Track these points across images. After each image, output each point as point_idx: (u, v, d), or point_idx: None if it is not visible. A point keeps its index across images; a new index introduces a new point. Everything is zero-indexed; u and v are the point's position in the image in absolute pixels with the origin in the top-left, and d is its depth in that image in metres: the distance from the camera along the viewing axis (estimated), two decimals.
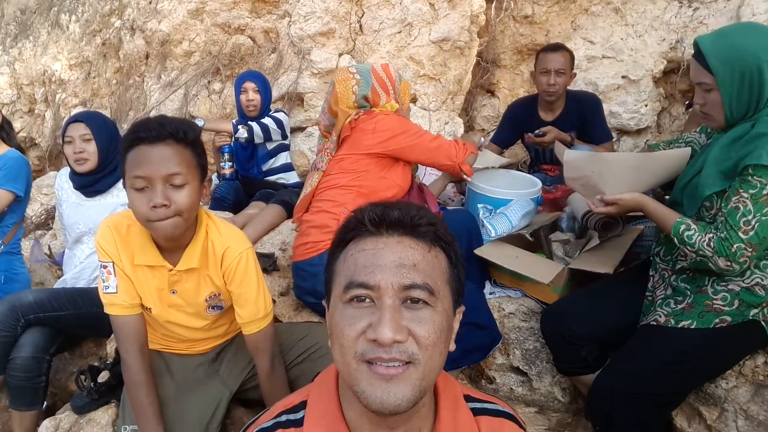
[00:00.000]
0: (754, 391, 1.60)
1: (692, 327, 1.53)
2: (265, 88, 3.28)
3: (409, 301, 0.77)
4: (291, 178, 3.40)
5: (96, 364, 1.96)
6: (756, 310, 1.51)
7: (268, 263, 2.27)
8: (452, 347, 0.86)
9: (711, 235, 1.47)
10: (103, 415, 1.80)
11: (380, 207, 0.84)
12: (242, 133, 3.08)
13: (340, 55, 3.75)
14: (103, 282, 1.53)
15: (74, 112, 5.06)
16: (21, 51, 5.76)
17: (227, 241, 1.53)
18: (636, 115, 3.45)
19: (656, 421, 1.61)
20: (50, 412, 2.07)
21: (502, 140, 3.29)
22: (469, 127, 4.04)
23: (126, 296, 1.53)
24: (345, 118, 1.97)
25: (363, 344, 0.76)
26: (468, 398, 0.93)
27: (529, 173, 3.34)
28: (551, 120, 3.07)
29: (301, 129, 3.78)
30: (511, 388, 1.85)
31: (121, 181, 2.23)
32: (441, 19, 3.61)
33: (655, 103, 3.47)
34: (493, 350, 1.88)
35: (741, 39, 1.46)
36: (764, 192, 1.41)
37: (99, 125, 2.25)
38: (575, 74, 3.03)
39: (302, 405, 0.89)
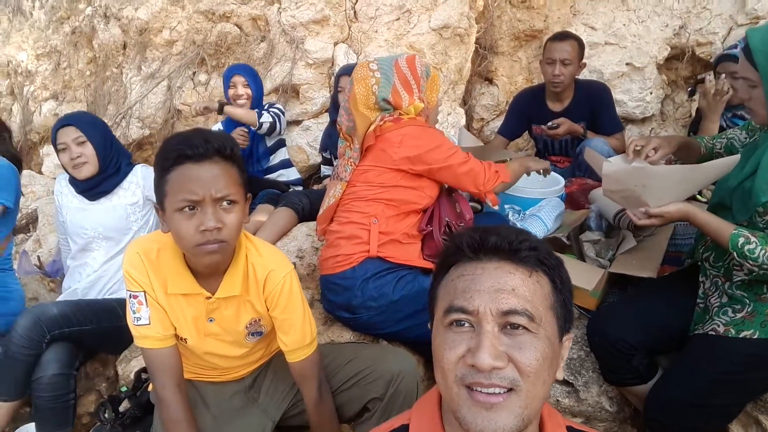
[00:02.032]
0: None
1: (755, 337, 1.49)
2: (255, 82, 3.13)
3: (508, 327, 0.77)
4: (291, 174, 3.27)
5: (115, 393, 1.82)
6: None
7: None
8: (560, 376, 0.85)
9: None
10: None
11: (479, 232, 0.84)
12: (267, 117, 2.96)
13: (336, 44, 3.59)
14: (134, 313, 1.40)
15: (45, 105, 4.77)
16: None
17: (269, 264, 1.41)
18: (641, 103, 3.41)
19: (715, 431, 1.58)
20: None
21: (509, 132, 3.21)
22: (469, 117, 3.95)
23: (160, 327, 1.40)
24: (366, 124, 1.83)
25: (463, 368, 0.77)
26: (570, 429, 0.92)
27: None
28: (560, 110, 3.01)
29: (298, 123, 3.63)
30: (558, 400, 1.80)
31: (132, 181, 2.16)
32: (440, 5, 3.48)
33: (659, 91, 3.44)
34: None
35: None
36: None
37: (90, 126, 2.12)
38: (585, 64, 2.96)
39: (404, 429, 0.89)
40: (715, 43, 3.29)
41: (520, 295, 0.78)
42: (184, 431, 1.42)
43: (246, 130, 2.99)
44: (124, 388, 1.87)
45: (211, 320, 1.43)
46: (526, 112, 3.13)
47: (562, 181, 2.41)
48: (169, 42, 4.00)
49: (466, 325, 0.78)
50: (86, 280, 2.14)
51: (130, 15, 4.03)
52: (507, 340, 0.77)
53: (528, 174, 2.12)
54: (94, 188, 2.12)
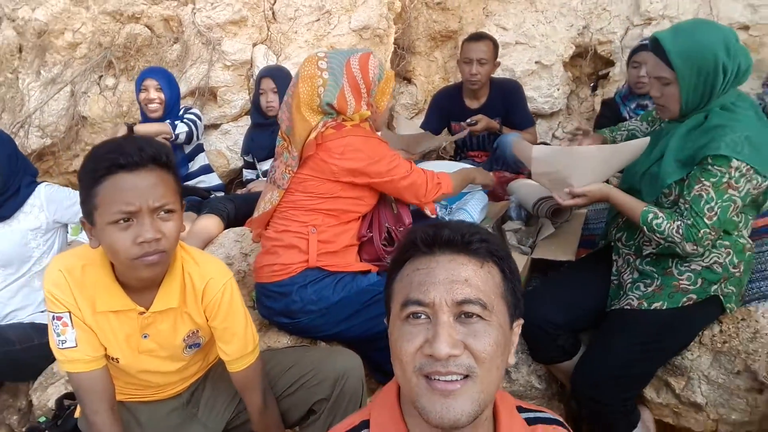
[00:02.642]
0: (712, 358, 1.76)
1: (664, 308, 1.64)
2: (169, 86, 3.00)
3: (463, 316, 0.80)
4: (212, 180, 3.18)
5: (33, 425, 1.70)
6: (715, 286, 1.65)
7: None
8: (512, 360, 0.90)
9: (679, 222, 1.57)
10: None
11: (432, 228, 0.87)
12: (182, 128, 2.83)
13: (254, 45, 3.53)
14: (58, 336, 1.31)
15: None
16: None
17: (208, 273, 1.37)
18: (550, 99, 3.62)
19: (635, 397, 1.72)
20: None
21: (431, 129, 3.29)
22: (389, 116, 4.01)
23: (89, 349, 1.32)
24: (306, 130, 1.75)
25: (421, 359, 0.79)
26: (520, 409, 0.96)
27: (455, 159, 3.40)
28: (477, 108, 3.14)
29: (216, 126, 3.53)
30: None
31: (34, 204, 2.01)
32: (360, 7, 3.52)
33: (565, 87, 3.66)
34: None
35: (700, 36, 1.56)
36: (724, 180, 1.53)
37: None
38: (499, 63, 3.11)
39: (364, 424, 0.90)
40: (614, 42, 3.55)
41: (473, 285, 0.81)
42: None
43: (166, 134, 2.87)
44: (42, 419, 1.76)
45: (145, 336, 1.37)
46: (446, 109, 3.24)
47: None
48: (72, 45, 3.76)
49: (423, 317, 0.81)
50: None
51: (27, 16, 3.75)
52: (462, 328, 0.79)
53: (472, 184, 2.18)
54: None
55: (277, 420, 1.51)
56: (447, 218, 2.11)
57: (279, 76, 2.85)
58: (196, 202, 2.79)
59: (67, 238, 2.21)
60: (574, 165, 1.76)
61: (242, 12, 3.38)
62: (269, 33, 3.50)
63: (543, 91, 3.62)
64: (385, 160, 1.78)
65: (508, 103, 3.12)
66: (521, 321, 0.93)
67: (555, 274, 2.04)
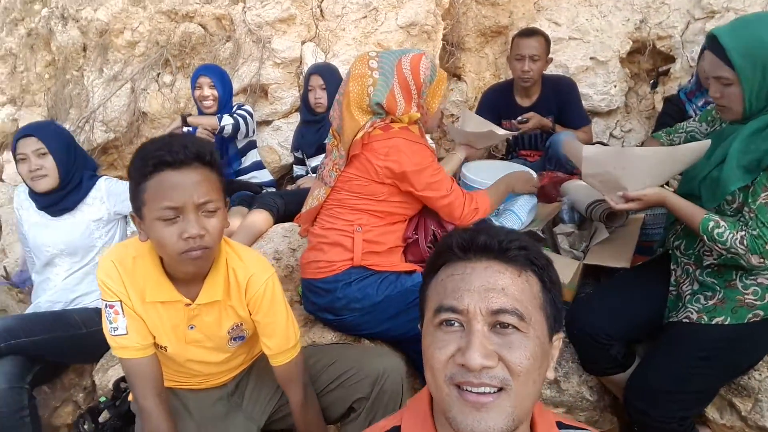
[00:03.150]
0: None
1: (726, 323, 1.54)
2: (222, 82, 3.08)
3: (498, 326, 0.77)
4: (264, 176, 3.24)
5: (93, 405, 1.78)
6: None
7: None
8: (550, 375, 0.85)
9: (743, 233, 1.47)
10: None
11: (468, 232, 0.85)
12: (228, 120, 2.90)
13: (303, 42, 3.56)
14: (111, 323, 1.36)
15: (3, 110, 4.59)
16: None
17: (251, 268, 1.40)
18: (606, 96, 3.49)
19: (693, 416, 1.63)
20: None
21: None
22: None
23: (138, 337, 1.37)
24: (354, 129, 1.73)
25: (452, 368, 0.77)
26: (560, 425, 0.93)
27: (506, 159, 3.33)
28: (528, 105, 3.06)
29: (268, 123, 3.59)
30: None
31: (96, 197, 2.09)
32: (407, 3, 3.49)
33: (622, 84, 3.52)
34: None
35: (763, 30, 1.44)
36: None
37: (53, 137, 2.04)
38: (551, 59, 3.01)
39: (395, 430, 0.89)
40: (674, 37, 3.38)
41: (509, 294, 0.78)
42: None
43: (208, 130, 2.94)
44: (103, 399, 1.83)
45: (191, 327, 1.41)
46: (496, 108, 3.16)
47: (533, 173, 2.44)
48: (131, 43, 3.90)
49: (456, 324, 0.78)
50: (49, 295, 2.08)
51: (89, 16, 3.92)
52: (497, 339, 0.77)
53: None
54: (55, 204, 2.05)
55: (318, 415, 1.52)
56: (494, 220, 2.06)
57: (327, 73, 2.87)
58: (248, 197, 2.83)
59: (127, 230, 2.29)
60: (627, 167, 1.68)
61: (291, 10, 3.42)
62: (317, 30, 3.52)
63: (599, 88, 3.49)
64: (428, 171, 1.74)
65: (562, 101, 3.03)
66: (561, 334, 0.89)
67: (609, 281, 1.96)
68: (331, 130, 1.87)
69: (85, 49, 4.10)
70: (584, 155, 1.74)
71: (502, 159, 3.36)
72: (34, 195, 2.09)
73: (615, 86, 3.48)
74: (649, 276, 1.81)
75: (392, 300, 1.76)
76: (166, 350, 1.43)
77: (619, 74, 3.49)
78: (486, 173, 2.43)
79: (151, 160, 1.20)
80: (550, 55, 2.99)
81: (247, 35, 3.61)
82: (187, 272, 1.31)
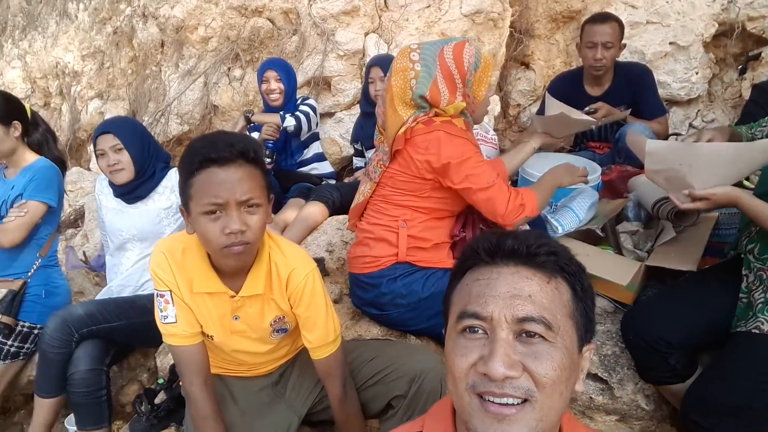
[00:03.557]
0: None
1: None
2: (288, 76, 3.13)
3: (524, 335, 0.74)
4: (324, 168, 3.28)
5: (152, 386, 1.88)
6: None
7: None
8: (579, 388, 0.81)
9: None
10: None
11: (495, 236, 0.81)
12: (290, 121, 2.95)
13: (366, 34, 3.56)
14: (161, 311, 1.43)
15: (91, 104, 4.94)
16: (31, 43, 5.60)
17: (292, 263, 1.42)
18: (686, 84, 3.24)
19: None
20: None
21: None
22: (505, 103, 3.85)
23: (186, 325, 1.43)
24: (397, 124, 1.71)
25: (474, 377, 0.74)
26: None
27: (574, 151, 3.18)
28: (599, 95, 2.90)
29: (330, 115, 3.63)
30: (591, 397, 1.74)
31: (166, 186, 2.21)
32: None
33: (705, 70, 3.26)
34: None
35: None
36: None
37: (128, 133, 2.14)
38: (625, 45, 2.83)
39: None
40: (767, 18, 3.08)
41: (537, 301, 0.75)
42: (212, 427, 1.44)
43: (274, 124, 2.99)
44: (161, 380, 1.93)
45: (236, 318, 1.45)
46: (564, 97, 3.01)
47: (598, 169, 2.32)
48: (204, 39, 4.06)
49: (480, 331, 0.76)
50: (119, 279, 2.21)
51: (167, 13, 4.11)
52: (522, 348, 0.73)
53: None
54: (130, 193, 2.17)
55: (357, 410, 1.52)
56: (550, 217, 1.98)
57: (387, 65, 2.83)
58: (306, 188, 2.89)
59: None
60: (695, 163, 1.55)
61: (355, 2, 3.42)
62: (381, 22, 3.51)
63: (678, 76, 3.25)
64: (468, 163, 1.66)
65: (635, 90, 2.85)
66: (593, 345, 0.84)
67: (673, 284, 1.83)
68: (377, 126, 1.86)
69: (162, 45, 4.31)
70: (647, 150, 1.62)
71: (569, 151, 3.21)
72: (111, 184, 2.23)
73: (697, 73, 3.23)
74: (718, 280, 1.67)
75: (438, 297, 1.70)
76: (212, 339, 1.48)
77: (701, 60, 3.23)
78: (546, 166, 2.34)
79: (197, 157, 1.25)
80: (623, 41, 2.81)
81: (312, 28, 3.66)
82: (231, 265, 1.34)
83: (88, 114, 4.91)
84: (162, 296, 1.43)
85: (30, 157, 2.32)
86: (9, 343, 2.13)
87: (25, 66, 5.59)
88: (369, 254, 1.80)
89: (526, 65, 3.92)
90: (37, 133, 2.40)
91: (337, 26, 3.54)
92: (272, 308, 1.46)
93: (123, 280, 2.21)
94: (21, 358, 2.18)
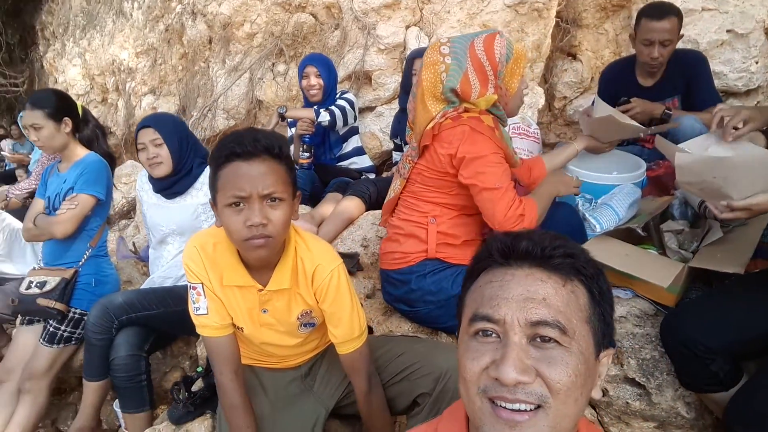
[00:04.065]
0: None
1: None
2: (328, 72, 3.14)
3: (538, 339, 0.72)
4: (364, 162, 3.29)
5: (190, 374, 1.95)
6: None
7: (351, 264, 2.17)
8: (596, 395, 0.78)
9: None
10: (200, 427, 1.78)
11: (510, 237, 0.80)
12: (324, 116, 2.97)
13: (407, 27, 3.54)
14: (194, 303, 1.48)
15: (145, 100, 5.13)
16: (90, 42, 5.88)
17: (317, 259, 1.43)
18: (744, 75, 3.06)
19: None
20: None
21: None
22: (550, 96, 3.75)
23: (217, 317, 1.47)
24: (426, 119, 1.70)
25: (486, 381, 0.72)
26: None
27: (622, 145, 3.06)
28: (650, 85, 2.76)
29: (371, 109, 3.64)
30: (627, 402, 1.68)
31: (204, 182, 2.28)
32: None
33: (766, 59, 3.06)
34: None
35: None
36: None
37: (168, 128, 2.21)
38: (682, 35, 2.67)
39: None
40: None
41: (551, 305, 0.73)
42: (241, 416, 1.48)
43: (308, 119, 3.02)
44: (199, 369, 1.99)
45: (264, 311, 1.48)
46: (615, 86, 2.88)
47: (643, 165, 2.23)
48: (249, 35, 4.14)
49: (493, 335, 0.74)
50: (161, 270, 2.29)
51: (215, 11, 4.22)
52: (536, 353, 0.71)
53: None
54: (169, 188, 2.24)
55: (382, 406, 1.53)
56: (588, 215, 1.91)
57: None
58: (343, 183, 2.91)
59: None
60: (729, 175, 1.47)
61: None
62: (422, 14, 3.48)
63: (736, 65, 3.07)
64: (482, 161, 1.62)
65: (689, 79, 2.67)
66: (611, 351, 0.81)
67: (718, 287, 1.74)
68: (408, 122, 1.85)
69: (210, 41, 4.43)
70: (677, 164, 1.55)
71: (621, 146, 3.08)
72: (152, 179, 2.31)
73: (756, 62, 3.04)
74: (766, 284, 1.58)
75: None
76: (242, 331, 1.52)
77: (762, 48, 3.04)
78: (588, 163, 2.26)
79: (224, 152, 1.28)
80: (680, 32, 2.66)
81: (353, 22, 3.67)
82: (255, 259, 1.37)
83: (142, 109, 5.10)
84: (194, 288, 1.47)
85: (81, 152, 2.43)
86: (62, 328, 2.25)
87: (84, 63, 5.87)
88: (399, 250, 1.79)
89: (573, 56, 3.80)
90: (87, 129, 2.52)
91: (378, 20, 3.54)
92: (299, 302, 1.48)
93: (164, 272, 2.29)
94: (73, 342, 2.29)
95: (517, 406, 0.70)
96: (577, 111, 3.56)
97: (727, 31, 3.08)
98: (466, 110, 1.67)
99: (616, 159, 2.33)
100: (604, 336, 0.78)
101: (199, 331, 1.50)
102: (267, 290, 1.44)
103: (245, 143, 1.26)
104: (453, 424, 0.86)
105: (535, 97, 3.39)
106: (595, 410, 1.77)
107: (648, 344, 1.72)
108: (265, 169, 1.27)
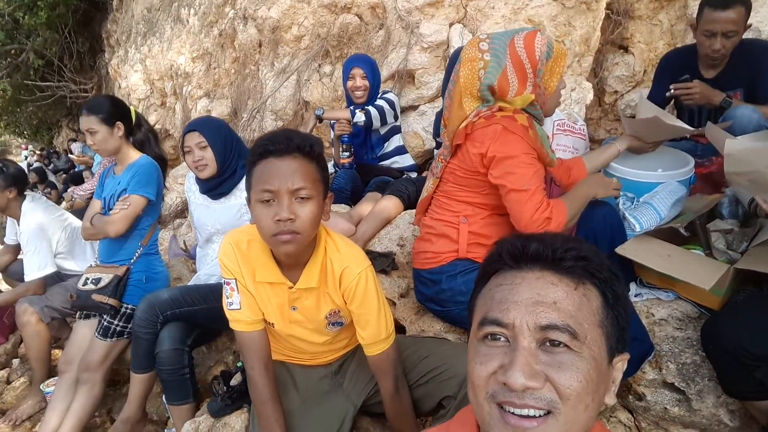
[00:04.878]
0: None
1: None
2: (373, 72, 3.15)
3: (548, 343, 0.71)
4: (405, 161, 3.29)
5: (229, 369, 2.02)
6: None
7: (386, 263, 2.19)
8: (609, 401, 0.76)
9: None
10: (237, 420, 1.85)
11: (521, 239, 0.79)
12: (360, 117, 3.00)
13: (451, 25, 3.51)
14: (227, 298, 1.53)
15: (200, 103, 5.33)
16: (150, 48, 6.16)
17: (346, 260, 1.46)
18: None
19: None
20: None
21: (657, 100, 2.77)
22: (599, 91, 3.63)
23: (249, 312, 1.52)
24: (460, 118, 1.68)
25: (494, 385, 0.71)
26: None
27: (674, 140, 2.92)
28: (713, 77, 2.60)
29: (414, 108, 3.63)
30: (665, 408, 1.62)
31: (245, 189, 2.35)
32: None
33: None
34: (644, 364, 1.65)
35: None
36: None
37: (213, 132, 2.29)
38: (750, 25, 2.50)
39: None
40: None
41: (562, 309, 0.72)
42: (270, 411, 1.52)
43: (344, 119, 3.04)
44: (239, 364, 2.07)
45: (294, 308, 1.52)
46: (674, 75, 2.73)
47: (691, 161, 2.12)
48: (297, 37, 4.23)
49: (502, 339, 0.74)
50: (206, 269, 2.38)
51: (264, 14, 4.33)
52: (545, 357, 0.70)
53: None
54: (214, 189, 2.33)
55: (408, 408, 1.53)
56: (628, 213, 1.85)
57: None
58: (383, 182, 2.92)
59: None
60: None
61: None
62: (466, 11, 3.44)
63: None
64: (512, 161, 1.59)
65: (754, 70, 2.51)
66: (626, 356, 0.78)
67: (764, 291, 1.64)
68: (442, 120, 1.84)
69: (260, 45, 4.55)
70: (726, 151, 1.48)
71: (673, 141, 2.94)
72: (198, 180, 2.41)
73: None
74: None
75: None
76: (273, 326, 1.56)
77: None
78: (631, 160, 2.18)
79: (259, 149, 1.34)
80: (748, 22, 2.46)
81: (397, 22, 3.68)
82: (283, 255, 1.41)
83: (197, 112, 5.31)
84: (228, 284, 1.53)
85: (134, 155, 2.56)
86: (115, 322, 2.38)
87: (145, 69, 6.17)
88: (430, 250, 1.79)
89: (625, 48, 3.66)
90: (140, 133, 2.65)
91: (421, 18, 3.53)
92: (327, 302, 1.51)
93: (209, 270, 2.38)
94: (126, 336, 2.42)
95: (525, 411, 0.69)
96: (623, 116, 3.44)
97: None
98: (501, 109, 1.65)
99: (663, 155, 2.23)
100: (618, 340, 0.76)
101: (232, 325, 1.56)
102: (296, 288, 1.47)
103: (279, 141, 1.32)
104: (463, 428, 0.86)
105: (583, 92, 3.29)
106: (633, 415, 1.71)
107: (689, 348, 1.65)
108: (296, 167, 1.31)
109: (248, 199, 1.40)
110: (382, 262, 2.17)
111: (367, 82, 3.11)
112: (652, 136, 2.09)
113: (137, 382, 2.18)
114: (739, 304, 1.61)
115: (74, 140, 8.13)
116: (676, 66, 2.73)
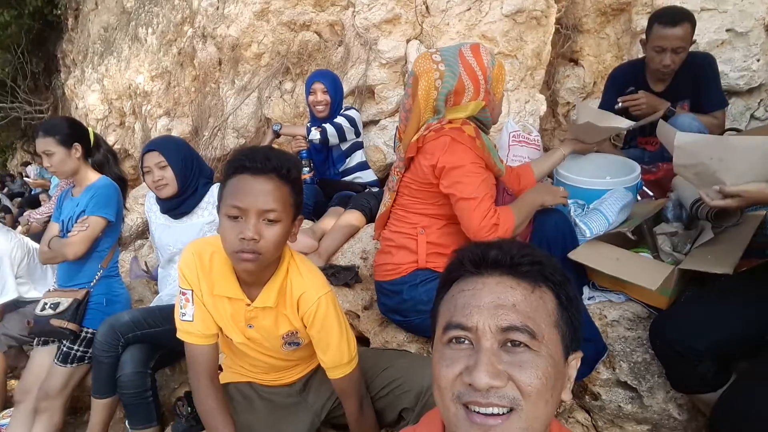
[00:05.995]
0: None
1: None
2: (335, 87, 3.20)
3: (509, 344, 0.75)
4: (367, 176, 3.34)
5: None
6: None
7: (349, 276, 2.22)
8: (566, 397, 0.81)
9: None
10: None
11: (480, 247, 0.83)
12: (315, 135, 3.03)
13: (408, 41, 3.59)
14: (181, 308, 1.53)
15: (160, 122, 5.28)
16: (107, 67, 6.07)
17: (305, 285, 1.46)
18: (746, 73, 3.04)
19: None
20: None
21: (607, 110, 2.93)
22: (552, 102, 3.76)
23: (201, 326, 1.51)
24: (413, 131, 1.75)
25: (460, 387, 0.75)
26: None
27: (624, 148, 3.05)
28: (661, 90, 2.72)
29: (375, 122, 3.69)
30: (619, 406, 1.69)
31: (209, 202, 2.35)
32: None
33: (767, 57, 3.04)
34: (598, 364, 1.72)
35: None
36: None
37: (172, 151, 2.28)
38: (695, 41, 2.62)
39: None
40: None
41: (520, 311, 0.76)
42: (218, 419, 1.50)
43: (300, 136, 3.09)
44: None
45: (250, 326, 1.52)
46: (623, 88, 2.85)
47: (637, 169, 2.23)
48: (257, 55, 4.24)
49: (465, 342, 0.77)
50: (169, 289, 2.36)
51: (223, 33, 4.33)
52: (507, 357, 0.74)
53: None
54: (175, 209, 2.31)
55: (373, 426, 1.55)
56: (578, 220, 1.93)
57: None
58: (346, 197, 2.96)
59: None
60: (726, 158, 1.47)
61: (396, 10, 3.47)
62: (422, 28, 3.53)
63: (737, 64, 3.05)
64: (460, 170, 1.66)
65: (698, 81, 2.64)
66: (579, 354, 0.84)
67: (708, 288, 1.73)
68: (396, 134, 1.89)
69: (220, 63, 4.55)
70: (676, 143, 1.56)
71: (622, 149, 3.07)
72: (159, 200, 2.39)
73: (758, 60, 3.02)
74: (757, 284, 1.57)
75: None
76: (232, 341, 1.56)
77: (763, 46, 3.02)
78: (580, 167, 2.28)
79: (235, 163, 1.34)
80: (693, 37, 2.60)
81: (355, 39, 3.74)
82: (242, 272, 1.41)
83: (157, 131, 5.25)
84: (184, 294, 1.52)
85: (92, 176, 2.53)
86: (75, 348, 2.34)
87: (102, 89, 6.07)
88: (391, 261, 1.83)
89: (575, 61, 3.81)
90: (98, 154, 2.62)
91: (379, 35, 3.60)
92: (285, 323, 1.51)
93: (172, 290, 2.36)
94: (86, 361, 2.37)
95: (490, 410, 0.73)
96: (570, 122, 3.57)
97: (727, 30, 3.07)
98: (450, 122, 1.71)
99: (610, 163, 2.34)
100: (572, 339, 0.81)
101: (180, 335, 1.54)
102: (253, 306, 1.48)
103: (256, 159, 1.31)
104: (431, 428, 0.89)
105: (536, 104, 3.41)
106: (589, 414, 1.78)
107: (639, 347, 1.72)
108: (270, 188, 1.31)
109: (218, 209, 1.40)
110: (346, 276, 2.20)
111: (328, 97, 3.15)
112: (591, 138, 2.20)
113: (99, 407, 2.14)
114: (682, 303, 1.70)
115: (29, 163, 7.91)
116: (625, 81, 2.84)
